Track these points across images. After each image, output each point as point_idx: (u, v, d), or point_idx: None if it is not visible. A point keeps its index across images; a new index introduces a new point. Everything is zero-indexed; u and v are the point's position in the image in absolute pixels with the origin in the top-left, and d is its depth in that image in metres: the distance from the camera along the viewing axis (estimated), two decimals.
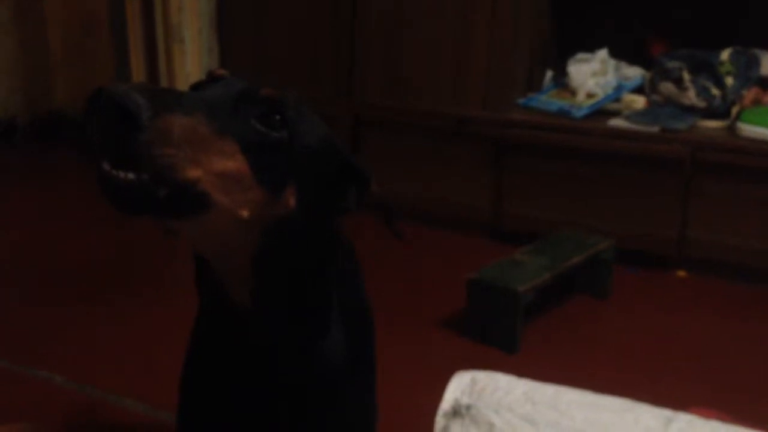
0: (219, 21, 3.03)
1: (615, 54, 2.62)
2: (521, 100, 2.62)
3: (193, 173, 0.70)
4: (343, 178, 0.86)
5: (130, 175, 0.67)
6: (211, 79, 0.83)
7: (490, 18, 2.52)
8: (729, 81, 2.41)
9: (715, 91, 2.41)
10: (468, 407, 1.36)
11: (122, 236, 2.66)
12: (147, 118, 0.65)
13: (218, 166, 0.72)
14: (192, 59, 2.98)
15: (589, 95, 2.55)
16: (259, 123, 0.77)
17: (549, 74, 2.74)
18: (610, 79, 2.58)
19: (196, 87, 0.83)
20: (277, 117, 0.78)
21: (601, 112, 2.51)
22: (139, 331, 2.01)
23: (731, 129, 2.36)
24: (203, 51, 3.00)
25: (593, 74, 2.56)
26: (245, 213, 0.75)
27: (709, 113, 2.42)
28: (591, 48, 2.61)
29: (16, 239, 2.67)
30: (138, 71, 3.10)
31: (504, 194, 2.59)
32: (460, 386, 1.43)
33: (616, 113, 2.50)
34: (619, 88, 2.58)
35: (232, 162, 0.73)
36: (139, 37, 3.05)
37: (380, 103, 2.75)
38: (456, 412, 1.36)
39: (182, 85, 2.98)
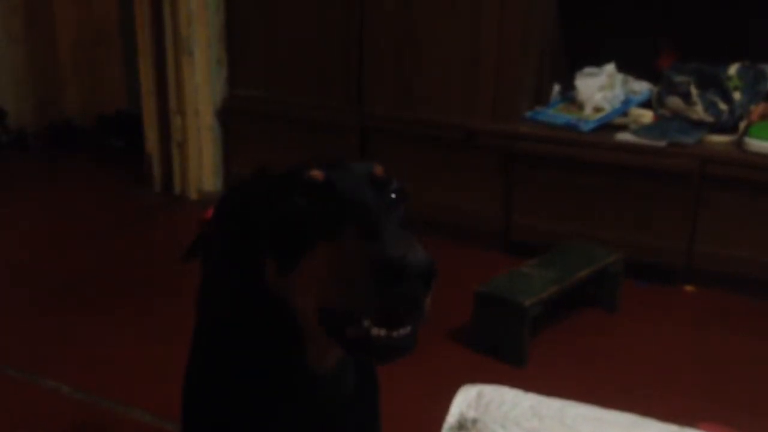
0: (228, 33, 3.05)
1: (622, 68, 2.63)
2: (529, 114, 2.63)
3: None
4: None
5: (409, 328, 0.71)
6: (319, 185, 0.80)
7: (499, 30, 2.53)
8: (737, 96, 2.41)
9: (722, 106, 2.41)
10: (474, 421, 1.36)
11: (131, 245, 2.68)
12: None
13: None
14: (200, 71, 3.00)
15: (597, 109, 2.55)
16: (393, 207, 0.81)
17: (556, 88, 2.74)
18: (618, 93, 2.58)
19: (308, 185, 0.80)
20: (393, 195, 0.82)
21: (608, 126, 2.51)
22: (146, 340, 2.01)
23: (739, 144, 2.35)
24: (212, 63, 3.02)
25: (600, 88, 2.57)
26: None
27: (717, 128, 2.42)
28: (598, 62, 2.61)
29: (27, 247, 2.68)
30: (147, 83, 3.12)
31: (513, 205, 2.59)
32: (465, 400, 1.42)
33: (623, 127, 2.50)
34: (626, 102, 2.59)
35: None
36: (148, 49, 3.08)
37: (389, 113, 2.75)
38: (462, 426, 1.36)
39: (190, 96, 3.00)
